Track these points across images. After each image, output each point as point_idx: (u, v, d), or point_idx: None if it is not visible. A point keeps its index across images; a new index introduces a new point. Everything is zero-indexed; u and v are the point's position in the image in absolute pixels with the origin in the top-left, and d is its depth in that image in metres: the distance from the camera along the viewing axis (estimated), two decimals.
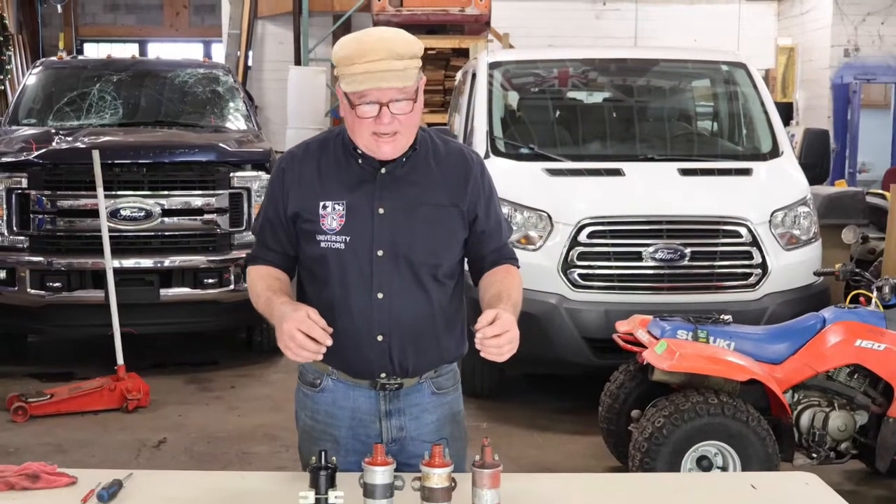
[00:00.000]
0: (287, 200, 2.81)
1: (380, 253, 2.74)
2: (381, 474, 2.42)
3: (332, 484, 2.41)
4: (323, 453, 2.44)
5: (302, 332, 2.56)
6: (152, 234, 7.50)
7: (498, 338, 2.55)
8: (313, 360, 2.64)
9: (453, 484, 2.42)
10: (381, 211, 2.75)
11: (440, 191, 2.80)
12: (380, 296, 2.75)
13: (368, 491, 2.43)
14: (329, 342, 2.58)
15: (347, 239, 2.74)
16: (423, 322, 2.79)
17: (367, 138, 2.70)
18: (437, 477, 2.40)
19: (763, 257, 6.37)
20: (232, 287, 7.52)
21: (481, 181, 2.87)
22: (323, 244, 2.76)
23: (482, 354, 2.57)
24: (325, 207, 2.76)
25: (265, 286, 2.82)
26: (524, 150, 7.17)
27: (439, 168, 2.82)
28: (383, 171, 2.76)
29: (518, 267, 2.95)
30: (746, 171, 6.92)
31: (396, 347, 2.77)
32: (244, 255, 7.48)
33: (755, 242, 6.37)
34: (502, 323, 2.56)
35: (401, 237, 2.75)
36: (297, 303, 2.73)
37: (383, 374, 2.81)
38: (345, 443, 2.85)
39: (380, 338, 2.74)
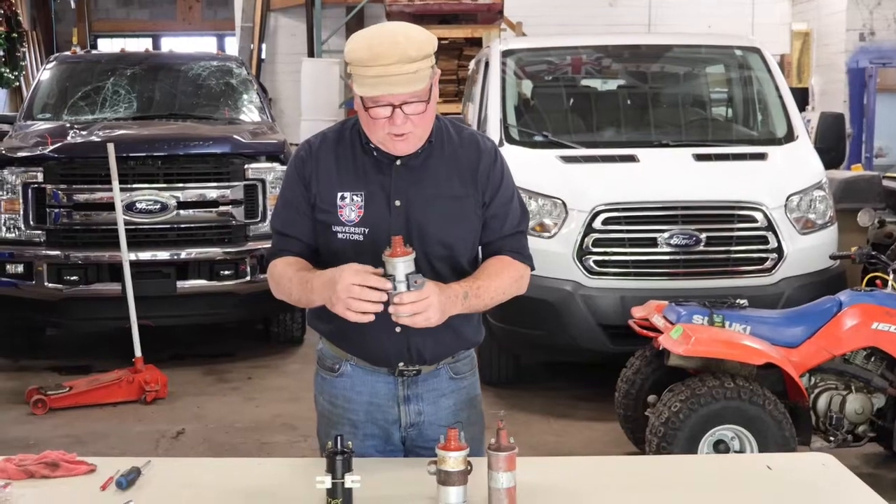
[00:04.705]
0: (309, 189, 2.80)
1: None
2: (402, 264, 2.53)
3: (348, 468, 2.43)
4: (339, 438, 2.46)
5: (356, 285, 2.54)
6: (168, 226, 7.52)
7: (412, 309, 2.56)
8: (375, 313, 2.57)
9: (469, 467, 2.43)
10: (397, 203, 2.75)
11: (454, 182, 2.79)
12: None
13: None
14: (388, 286, 2.54)
15: (366, 231, 2.74)
16: None
17: (381, 137, 2.70)
18: (453, 460, 2.41)
19: (779, 242, 6.35)
20: (248, 278, 7.52)
21: (491, 169, 2.84)
22: (341, 235, 2.76)
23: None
24: (343, 198, 2.76)
25: (295, 270, 2.77)
26: (538, 138, 7.16)
27: (453, 159, 2.81)
28: (398, 162, 2.76)
29: (525, 263, 2.88)
30: (761, 156, 6.89)
31: (414, 338, 2.77)
32: (260, 247, 7.50)
33: (771, 227, 6.35)
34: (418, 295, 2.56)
35: (417, 229, 2.74)
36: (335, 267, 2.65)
37: (401, 363, 2.82)
38: (362, 427, 2.87)
39: (398, 329, 2.72)
